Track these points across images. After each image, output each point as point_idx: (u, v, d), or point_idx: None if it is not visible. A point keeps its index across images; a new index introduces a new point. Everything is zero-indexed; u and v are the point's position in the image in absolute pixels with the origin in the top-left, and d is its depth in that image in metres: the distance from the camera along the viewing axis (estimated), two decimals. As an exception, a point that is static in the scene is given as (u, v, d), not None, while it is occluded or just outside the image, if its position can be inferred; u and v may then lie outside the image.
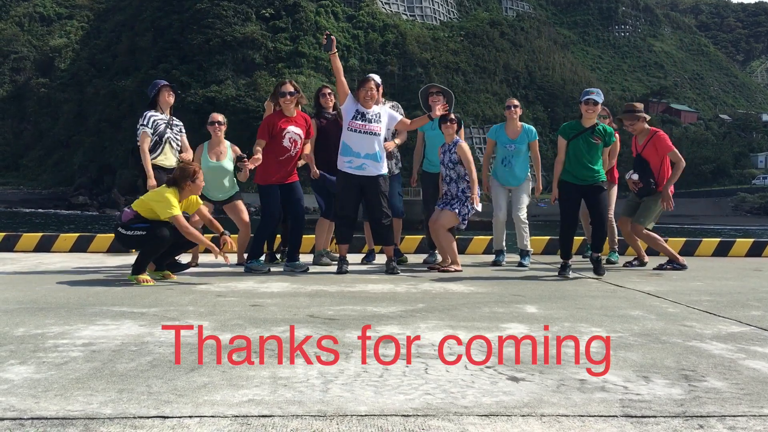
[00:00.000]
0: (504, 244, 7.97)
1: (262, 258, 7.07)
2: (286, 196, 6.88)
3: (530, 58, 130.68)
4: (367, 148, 6.68)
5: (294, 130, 6.77)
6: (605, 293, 5.53)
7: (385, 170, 6.86)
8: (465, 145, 7.15)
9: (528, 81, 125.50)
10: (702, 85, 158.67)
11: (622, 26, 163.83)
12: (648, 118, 7.83)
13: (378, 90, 6.82)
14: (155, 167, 6.90)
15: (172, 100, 7.17)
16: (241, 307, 4.52)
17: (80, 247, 9.05)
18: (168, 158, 7.06)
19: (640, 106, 7.97)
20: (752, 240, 10.16)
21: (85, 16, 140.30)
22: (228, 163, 7.36)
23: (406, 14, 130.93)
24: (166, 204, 5.80)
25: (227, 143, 7.46)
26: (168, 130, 7.05)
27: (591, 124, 6.70)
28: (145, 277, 5.81)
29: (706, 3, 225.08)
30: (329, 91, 7.67)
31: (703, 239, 10.20)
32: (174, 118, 7.25)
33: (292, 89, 6.81)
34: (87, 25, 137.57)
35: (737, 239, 10.28)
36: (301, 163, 7.18)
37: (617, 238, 8.31)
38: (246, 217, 7.54)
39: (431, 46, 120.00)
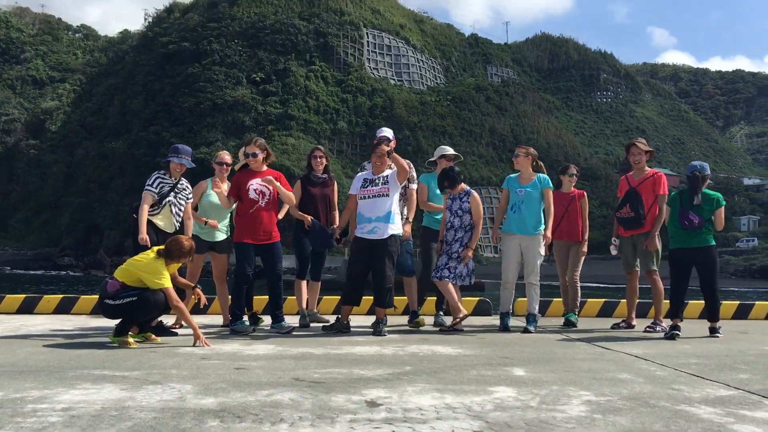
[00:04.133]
0: (511, 307, 7.66)
1: (246, 319, 7.00)
2: (263, 257, 6.86)
3: (515, 123, 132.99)
4: (377, 211, 6.75)
5: (259, 182, 6.80)
6: (593, 356, 5.50)
7: (397, 231, 6.89)
8: (478, 198, 7.41)
9: (513, 144, 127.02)
10: (683, 149, 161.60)
11: (604, 92, 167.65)
12: (650, 155, 7.89)
13: (391, 145, 7.12)
14: (147, 223, 6.82)
15: (178, 172, 7.10)
16: (225, 370, 4.45)
17: (64, 309, 8.92)
18: (164, 219, 6.97)
19: (645, 142, 8.08)
20: (737, 302, 10.19)
21: (77, 79, 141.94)
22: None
23: (393, 79, 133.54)
24: (156, 274, 5.75)
25: (229, 183, 7.50)
26: (171, 193, 7.00)
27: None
28: (128, 339, 5.72)
29: (685, 71, 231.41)
30: (321, 154, 7.72)
31: (690, 301, 10.20)
32: (183, 181, 7.19)
33: (255, 150, 6.85)
34: (79, 88, 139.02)
35: (723, 302, 10.29)
36: (281, 215, 7.19)
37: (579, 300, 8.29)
38: (224, 275, 7.54)
39: (418, 110, 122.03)
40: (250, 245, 6.77)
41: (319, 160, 7.65)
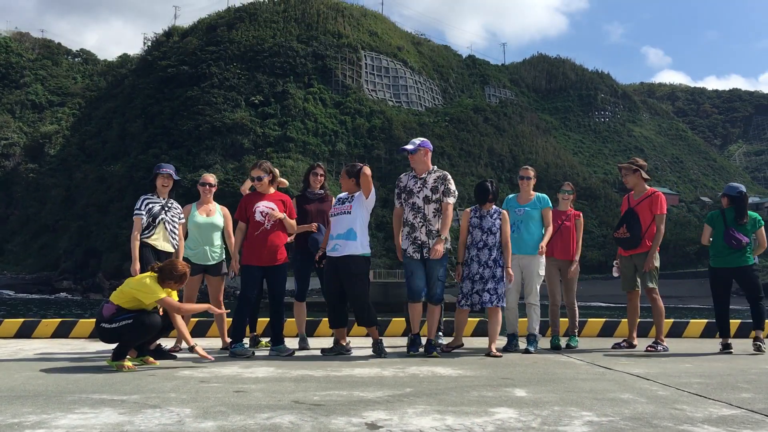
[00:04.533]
0: (516, 327, 7.58)
1: (246, 341, 6.96)
2: (267, 279, 6.87)
3: (514, 143, 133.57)
4: (338, 228, 6.68)
5: (266, 205, 6.82)
6: (594, 376, 5.47)
7: (360, 250, 6.60)
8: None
9: (512, 164, 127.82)
10: (682, 168, 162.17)
11: (602, 112, 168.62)
12: (646, 177, 7.92)
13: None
14: (145, 245, 6.76)
15: (166, 189, 7.06)
16: (225, 393, 4.42)
17: (62, 332, 8.87)
18: (159, 239, 6.89)
19: (640, 161, 8.10)
20: (739, 321, 10.15)
21: (76, 103, 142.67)
22: (218, 219, 7.41)
23: (392, 100, 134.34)
24: (150, 291, 5.73)
25: (216, 204, 7.54)
26: (163, 211, 6.94)
27: None
28: (126, 363, 5.69)
29: (682, 90, 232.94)
30: (321, 171, 7.66)
31: (691, 320, 10.19)
32: (172, 201, 7.16)
33: (260, 174, 6.90)
34: (78, 112, 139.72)
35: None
36: (290, 238, 7.16)
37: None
38: (221, 297, 7.49)
39: (417, 131, 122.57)
40: (256, 268, 6.77)
41: (319, 177, 7.62)
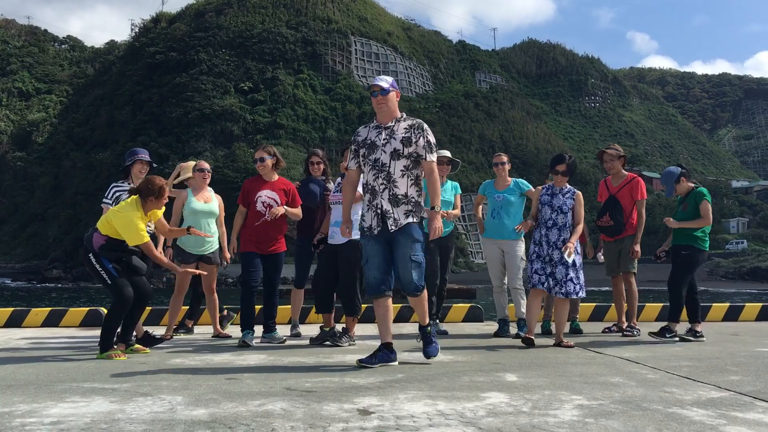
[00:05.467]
0: (506, 312, 7.65)
1: (257, 328, 6.89)
2: (264, 265, 6.82)
3: (504, 128, 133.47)
4: (336, 216, 6.53)
5: (268, 194, 6.73)
6: (585, 360, 5.50)
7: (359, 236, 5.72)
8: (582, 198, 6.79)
9: (503, 150, 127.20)
10: (672, 153, 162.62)
11: (592, 97, 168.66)
12: (623, 159, 7.86)
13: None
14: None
15: (142, 176, 6.71)
16: (216, 380, 4.42)
17: (52, 321, 8.84)
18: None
19: (618, 147, 8.10)
20: (728, 304, 10.24)
21: (64, 90, 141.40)
22: (215, 206, 7.34)
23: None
24: (135, 231, 5.66)
25: (212, 190, 7.45)
26: None
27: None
28: (115, 351, 5.67)
29: (672, 75, 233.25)
30: (318, 159, 7.50)
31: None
32: None
33: (263, 155, 6.79)
34: (66, 100, 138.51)
35: (713, 304, 10.35)
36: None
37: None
38: (214, 285, 7.46)
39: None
40: (255, 254, 6.71)
41: (316, 165, 7.48)
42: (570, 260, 6.40)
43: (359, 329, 7.83)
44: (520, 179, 7.72)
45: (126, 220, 5.69)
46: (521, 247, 7.47)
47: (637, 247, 7.60)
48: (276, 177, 6.90)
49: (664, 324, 7.32)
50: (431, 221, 5.21)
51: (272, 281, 6.88)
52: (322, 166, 7.52)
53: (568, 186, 6.79)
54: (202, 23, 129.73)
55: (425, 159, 5.16)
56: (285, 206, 6.76)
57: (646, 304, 9.80)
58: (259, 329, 6.92)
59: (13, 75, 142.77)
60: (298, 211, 6.94)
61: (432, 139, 5.20)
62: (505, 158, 7.78)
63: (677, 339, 7.00)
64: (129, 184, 6.67)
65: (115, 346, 5.79)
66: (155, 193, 5.79)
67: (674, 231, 7.28)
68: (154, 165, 6.97)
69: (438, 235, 5.26)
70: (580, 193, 6.88)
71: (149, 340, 6.40)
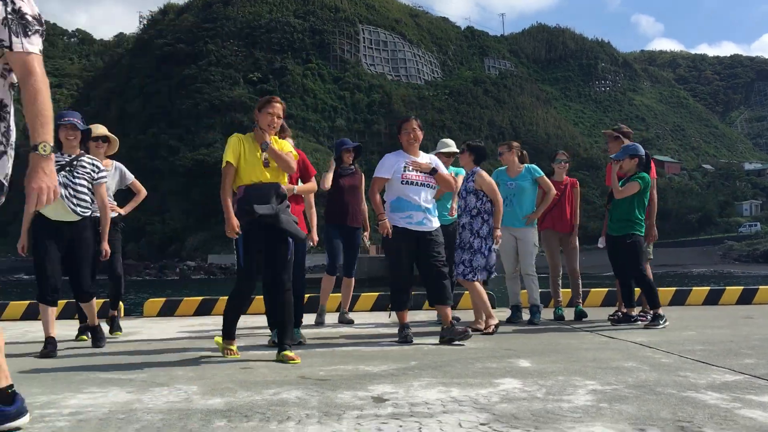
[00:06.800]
0: (519, 298, 7.66)
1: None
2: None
3: (514, 114, 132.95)
4: (427, 201, 5.91)
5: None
6: (598, 345, 5.50)
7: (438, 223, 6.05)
8: (485, 174, 6.78)
9: (513, 136, 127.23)
10: (683, 136, 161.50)
11: (603, 81, 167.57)
12: (624, 140, 7.68)
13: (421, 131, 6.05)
14: (37, 215, 5.45)
15: (71, 142, 5.63)
16: (232, 369, 4.45)
17: (68, 314, 8.92)
18: (52, 207, 5.19)
19: (625, 128, 7.98)
20: (742, 288, 10.19)
21: (74, 83, 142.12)
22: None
23: (390, 74, 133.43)
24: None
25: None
26: (62, 173, 5.42)
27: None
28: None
29: (683, 57, 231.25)
30: (350, 154, 7.66)
31: (693, 288, 10.23)
32: (84, 158, 5.70)
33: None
34: (76, 93, 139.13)
35: (727, 287, 10.31)
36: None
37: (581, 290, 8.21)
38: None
39: (417, 104, 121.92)
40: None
41: (351, 153, 7.65)
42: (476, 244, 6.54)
43: (367, 317, 7.86)
44: (531, 165, 7.62)
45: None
46: (534, 234, 7.47)
47: (654, 231, 7.45)
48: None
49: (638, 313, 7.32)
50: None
51: (297, 271, 6.71)
52: (351, 157, 7.66)
53: (473, 168, 6.82)
54: (209, 14, 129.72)
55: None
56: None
57: (693, 288, 9.91)
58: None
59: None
60: (312, 185, 6.25)
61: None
62: (505, 147, 7.70)
63: (667, 323, 6.87)
64: (61, 154, 5.58)
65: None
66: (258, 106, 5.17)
67: (613, 222, 7.15)
68: (84, 128, 5.77)
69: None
70: (480, 170, 6.78)
71: (96, 336, 6.09)
